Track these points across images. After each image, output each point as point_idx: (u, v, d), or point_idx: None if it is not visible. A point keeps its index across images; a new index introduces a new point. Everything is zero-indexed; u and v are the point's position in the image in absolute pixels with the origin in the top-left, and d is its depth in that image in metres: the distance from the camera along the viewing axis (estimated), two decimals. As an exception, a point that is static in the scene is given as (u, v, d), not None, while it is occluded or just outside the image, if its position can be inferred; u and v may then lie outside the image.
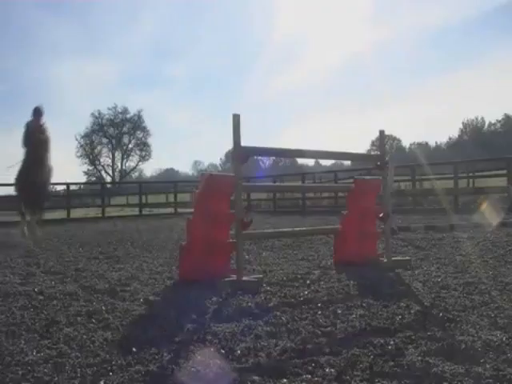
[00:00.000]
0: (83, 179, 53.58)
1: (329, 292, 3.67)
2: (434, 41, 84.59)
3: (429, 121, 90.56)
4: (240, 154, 4.03)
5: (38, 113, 8.51)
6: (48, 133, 8.62)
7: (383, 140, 5.46)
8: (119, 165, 59.01)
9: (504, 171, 14.60)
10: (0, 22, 69.27)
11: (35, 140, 8.30)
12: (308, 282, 4.08)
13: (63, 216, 18.15)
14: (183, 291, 3.82)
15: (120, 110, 57.59)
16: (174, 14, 78.51)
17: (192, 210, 4.81)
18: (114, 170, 58.72)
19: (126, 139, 58.87)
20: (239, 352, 2.34)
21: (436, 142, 69.59)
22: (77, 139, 55.41)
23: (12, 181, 9.05)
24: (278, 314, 3.01)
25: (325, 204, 20.28)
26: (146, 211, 20.35)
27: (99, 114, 56.74)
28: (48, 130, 8.68)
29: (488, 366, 2.06)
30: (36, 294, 3.86)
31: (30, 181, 8.27)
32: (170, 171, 72.01)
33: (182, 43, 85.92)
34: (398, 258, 5.09)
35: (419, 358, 2.17)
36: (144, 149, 59.12)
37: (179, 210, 19.30)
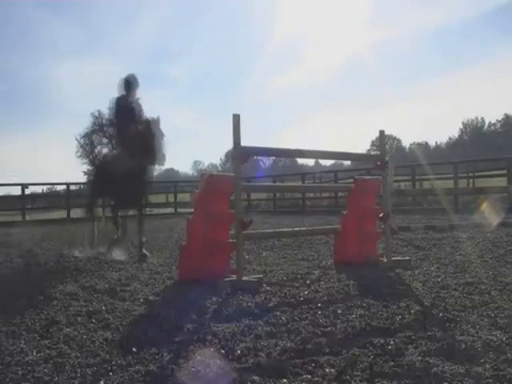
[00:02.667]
0: (83, 179, 53.61)
1: (329, 292, 3.67)
2: (434, 41, 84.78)
3: (429, 121, 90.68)
4: (240, 154, 4.03)
5: (130, 85, 6.44)
6: (143, 109, 6.49)
7: (383, 140, 5.46)
8: (119, 165, 59.03)
9: (504, 171, 14.60)
10: (0, 21, 69.27)
11: (129, 119, 6.29)
12: (308, 282, 4.08)
13: (63, 216, 18.16)
14: (183, 291, 3.81)
15: (120, 110, 57.65)
16: (174, 14, 78.66)
17: (192, 209, 4.81)
18: (114, 170, 58.71)
19: (126, 139, 58.92)
20: (239, 352, 2.34)
21: (436, 142, 69.74)
22: (77, 139, 55.51)
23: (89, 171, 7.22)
24: (278, 313, 3.01)
25: (325, 204, 20.28)
26: (146, 211, 20.28)
27: (99, 113, 56.84)
28: (142, 107, 6.52)
29: (488, 366, 2.06)
30: (36, 293, 3.86)
31: (124, 170, 6.07)
32: (170, 171, 72.01)
33: (182, 43, 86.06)
34: (398, 258, 5.09)
35: (419, 358, 2.17)
36: (144, 149, 59.10)
37: (179, 210, 19.29)
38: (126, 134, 6.22)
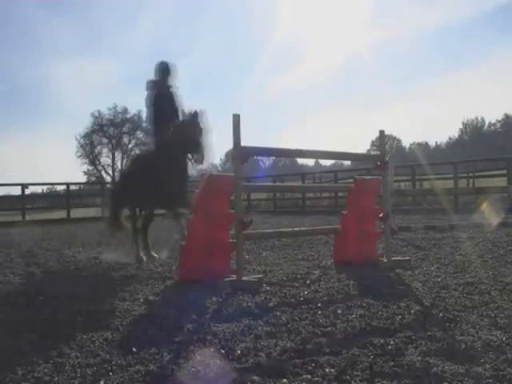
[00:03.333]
0: (83, 179, 53.74)
1: (329, 292, 3.67)
2: (434, 41, 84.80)
3: (429, 121, 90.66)
4: (240, 154, 4.03)
5: (166, 71, 5.93)
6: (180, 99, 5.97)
7: (383, 140, 5.46)
8: (119, 165, 58.98)
9: (504, 171, 14.61)
10: (0, 21, 69.24)
11: (169, 107, 5.77)
12: (308, 282, 4.08)
13: (63, 216, 18.18)
14: (183, 291, 3.82)
15: (120, 110, 57.60)
16: (174, 15, 78.60)
17: (192, 210, 4.81)
18: (114, 170, 58.68)
19: (126, 139, 58.89)
20: (239, 352, 2.34)
21: (436, 142, 69.79)
22: (77, 139, 55.57)
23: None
24: (278, 313, 3.01)
25: (325, 204, 20.29)
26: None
27: (99, 113, 56.82)
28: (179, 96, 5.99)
29: (488, 366, 2.06)
30: (36, 294, 3.86)
31: (161, 167, 5.46)
32: (170, 171, 71.78)
33: (182, 43, 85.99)
34: (398, 258, 5.09)
35: (419, 358, 2.17)
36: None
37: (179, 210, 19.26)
38: (169, 124, 5.64)
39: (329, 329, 2.67)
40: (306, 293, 3.63)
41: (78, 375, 2.10)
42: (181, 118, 5.84)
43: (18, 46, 72.06)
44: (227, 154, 64.95)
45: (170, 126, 5.64)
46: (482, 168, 19.25)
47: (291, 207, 20.71)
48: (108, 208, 6.35)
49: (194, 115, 5.55)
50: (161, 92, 5.85)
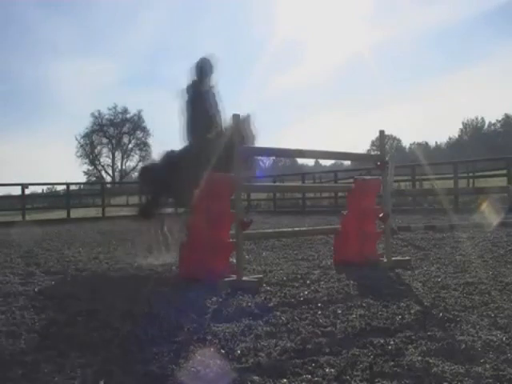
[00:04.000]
0: (83, 179, 53.82)
1: (329, 292, 3.67)
2: (434, 41, 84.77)
3: (429, 121, 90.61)
4: (240, 154, 4.03)
5: (202, 71, 5.55)
6: (218, 100, 5.67)
7: (383, 140, 5.46)
8: (119, 165, 59.08)
9: (504, 171, 14.62)
10: (0, 21, 69.22)
11: (202, 110, 5.44)
12: (308, 282, 4.07)
13: (63, 216, 18.20)
14: (183, 291, 3.81)
15: (120, 110, 57.65)
16: (175, 15, 78.51)
17: (192, 209, 4.81)
18: (114, 170, 58.78)
19: (126, 139, 58.96)
20: (239, 352, 2.33)
21: (436, 142, 69.79)
22: (77, 139, 55.61)
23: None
24: (278, 313, 3.01)
25: (325, 204, 20.30)
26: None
27: (99, 113, 56.87)
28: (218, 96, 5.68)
29: (488, 366, 2.06)
30: (36, 294, 3.86)
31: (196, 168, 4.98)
32: (170, 171, 71.71)
33: (182, 43, 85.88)
34: (398, 258, 5.09)
35: (419, 358, 2.17)
36: (144, 149, 59.12)
37: (179, 210, 19.29)
38: (203, 131, 5.37)
39: (329, 329, 2.67)
40: (306, 293, 3.63)
41: (78, 375, 2.10)
42: (223, 120, 5.54)
43: (18, 46, 71.96)
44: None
45: (209, 134, 5.38)
46: (482, 168, 19.26)
47: (291, 207, 20.72)
48: (147, 194, 6.35)
49: (246, 120, 5.10)
50: (194, 98, 5.51)
